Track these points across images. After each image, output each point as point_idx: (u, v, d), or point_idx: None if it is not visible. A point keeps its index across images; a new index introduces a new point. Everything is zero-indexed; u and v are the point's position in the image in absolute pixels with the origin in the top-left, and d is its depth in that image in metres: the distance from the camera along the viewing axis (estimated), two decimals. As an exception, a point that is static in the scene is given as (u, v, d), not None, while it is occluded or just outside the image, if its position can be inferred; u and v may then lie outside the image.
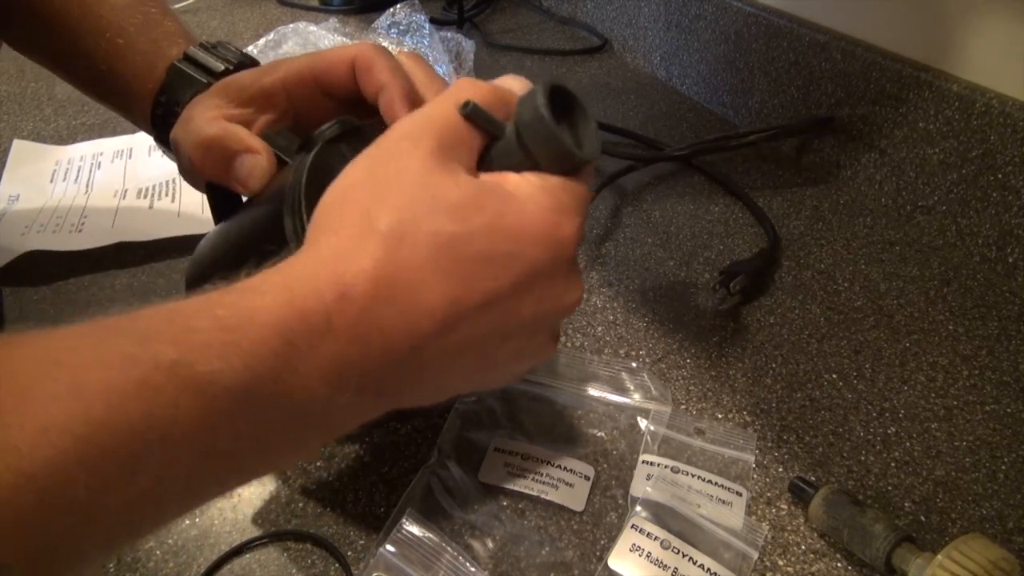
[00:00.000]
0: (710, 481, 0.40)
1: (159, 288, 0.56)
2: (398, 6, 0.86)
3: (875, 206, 0.65)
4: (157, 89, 0.42)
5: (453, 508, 0.39)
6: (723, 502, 0.39)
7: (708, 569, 0.36)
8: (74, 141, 0.77)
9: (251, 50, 0.81)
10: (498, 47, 1.01)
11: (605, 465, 0.42)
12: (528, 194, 0.29)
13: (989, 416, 0.45)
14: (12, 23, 0.46)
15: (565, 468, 0.41)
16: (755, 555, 0.37)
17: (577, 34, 1.05)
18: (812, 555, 0.38)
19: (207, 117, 0.38)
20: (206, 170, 0.38)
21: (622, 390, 0.46)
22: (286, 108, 0.39)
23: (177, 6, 1.17)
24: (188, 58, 0.42)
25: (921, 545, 0.35)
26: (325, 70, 0.38)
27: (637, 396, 0.45)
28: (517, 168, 0.30)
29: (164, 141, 0.42)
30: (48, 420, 0.19)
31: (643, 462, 0.42)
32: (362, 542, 0.38)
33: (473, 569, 0.35)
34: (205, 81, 0.41)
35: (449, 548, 0.36)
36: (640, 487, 0.40)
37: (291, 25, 0.84)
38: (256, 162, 0.37)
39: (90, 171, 0.70)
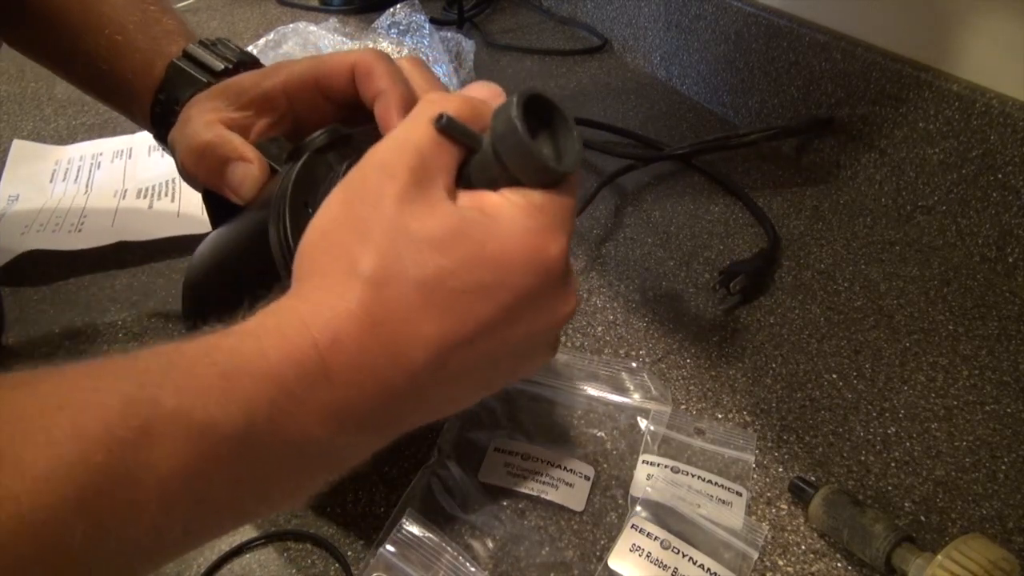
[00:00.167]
0: (710, 481, 0.40)
1: (159, 288, 0.56)
2: (398, 6, 0.86)
3: (875, 206, 0.65)
4: (156, 87, 0.42)
5: (453, 508, 0.39)
6: (723, 502, 0.39)
7: (708, 569, 0.36)
8: (74, 141, 0.77)
9: (251, 50, 0.81)
10: (498, 47, 1.01)
11: (605, 465, 0.42)
12: (510, 217, 0.28)
13: (989, 416, 0.45)
14: (11, 22, 0.46)
15: (565, 468, 0.41)
16: (755, 555, 0.37)
17: (577, 34, 1.05)
18: (812, 555, 0.38)
19: (204, 121, 0.38)
20: (200, 176, 0.38)
21: (622, 390, 0.46)
22: (286, 112, 0.39)
23: (177, 6, 1.17)
24: (188, 56, 0.42)
25: (921, 545, 0.35)
26: (326, 75, 0.38)
27: (637, 396, 0.45)
28: (496, 181, 0.29)
29: (164, 139, 0.42)
30: (48, 467, 0.20)
31: (643, 462, 0.42)
32: (362, 542, 0.38)
33: (473, 569, 0.35)
34: (205, 80, 0.41)
35: (449, 548, 0.36)
36: (640, 487, 0.40)
37: (291, 25, 0.84)
38: (248, 171, 0.37)
39: (90, 171, 0.70)
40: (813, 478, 0.41)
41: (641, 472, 0.41)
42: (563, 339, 0.51)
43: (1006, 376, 0.48)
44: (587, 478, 0.41)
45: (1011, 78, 0.54)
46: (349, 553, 0.37)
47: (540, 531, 0.38)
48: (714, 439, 0.43)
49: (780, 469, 0.42)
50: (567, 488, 0.40)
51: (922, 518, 0.39)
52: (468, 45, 0.87)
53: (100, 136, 0.77)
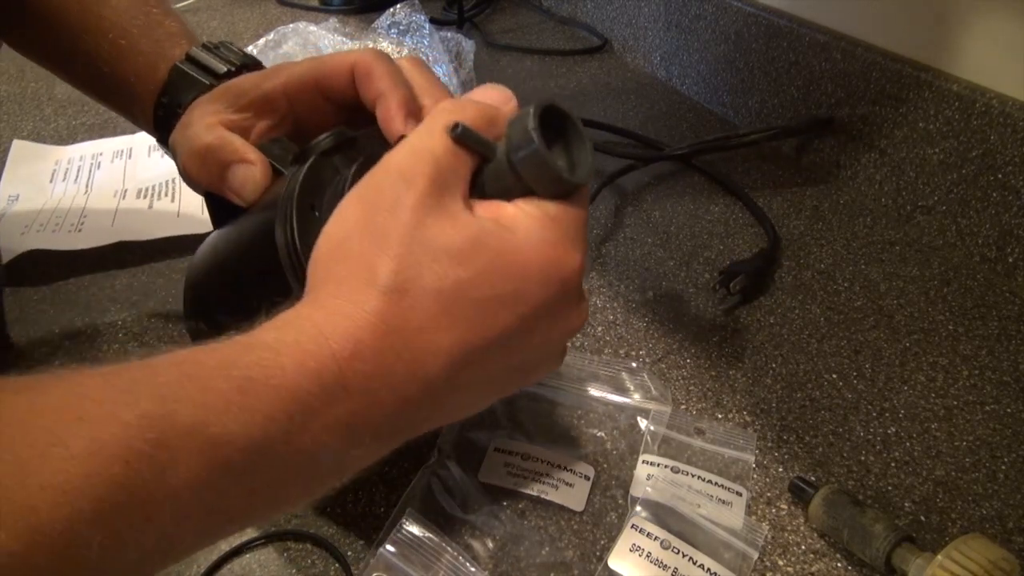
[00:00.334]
0: (710, 481, 0.40)
1: (159, 288, 0.56)
2: (398, 6, 0.86)
3: (875, 206, 0.65)
4: (159, 90, 0.42)
5: (453, 508, 0.39)
6: (723, 502, 0.39)
7: (708, 569, 0.36)
8: (74, 141, 0.77)
9: (251, 50, 0.81)
10: (498, 47, 1.01)
11: (605, 465, 0.42)
12: (527, 229, 0.28)
13: (989, 416, 0.45)
14: (12, 24, 0.46)
15: (565, 468, 0.41)
16: (755, 555, 0.37)
17: (577, 34, 1.05)
18: (812, 555, 0.38)
19: (205, 123, 0.38)
20: (202, 179, 0.38)
21: (622, 390, 0.46)
22: (287, 113, 0.39)
23: (177, 6, 1.17)
24: (190, 59, 0.42)
25: (921, 545, 0.35)
26: (326, 76, 0.38)
27: (637, 396, 0.45)
28: (510, 190, 0.29)
29: (166, 142, 0.42)
30: (67, 480, 0.20)
31: (643, 462, 0.42)
32: (362, 542, 0.38)
33: (473, 569, 0.35)
34: (207, 82, 0.41)
35: (449, 548, 0.36)
36: (640, 487, 0.40)
37: (291, 25, 0.84)
38: (250, 173, 0.37)
39: (90, 171, 0.70)
40: (813, 478, 0.41)
41: (641, 472, 0.41)
42: (563, 339, 0.51)
43: (1006, 376, 0.48)
44: (587, 478, 0.41)
45: (1011, 78, 0.54)
46: (349, 553, 0.37)
47: (540, 531, 0.38)
48: (714, 439, 0.43)
49: (780, 469, 0.42)
50: (567, 488, 0.40)
51: (922, 518, 0.39)
52: (468, 45, 0.87)
53: (100, 136, 0.77)
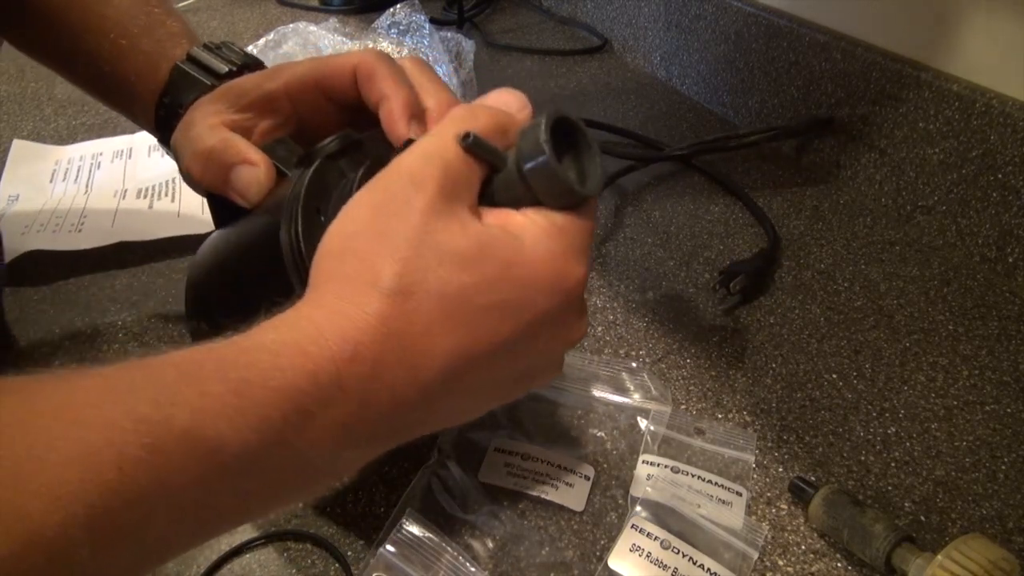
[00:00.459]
0: (710, 481, 0.40)
1: (159, 288, 0.56)
2: (398, 6, 0.86)
3: (875, 206, 0.65)
4: (160, 90, 0.42)
5: (453, 508, 0.39)
6: (723, 502, 0.39)
7: (708, 569, 0.36)
8: (74, 141, 0.77)
9: (251, 50, 0.81)
10: (498, 47, 1.01)
11: (605, 465, 0.42)
12: (534, 238, 0.28)
13: (989, 416, 0.45)
14: (13, 23, 0.46)
15: (565, 468, 0.41)
16: (755, 555, 0.37)
17: (577, 34, 1.05)
18: (812, 555, 0.38)
19: (208, 124, 0.37)
20: (205, 180, 0.38)
21: (622, 390, 0.46)
22: (289, 114, 0.39)
23: (177, 6, 1.17)
24: (191, 59, 0.42)
25: (921, 545, 0.35)
26: (328, 77, 0.38)
27: (637, 396, 0.45)
28: (519, 200, 0.29)
29: (167, 142, 0.41)
30: (61, 486, 0.20)
31: (643, 462, 0.42)
32: (362, 542, 0.38)
33: (473, 569, 0.35)
34: (209, 83, 0.41)
35: (449, 548, 0.36)
36: (640, 487, 0.40)
37: (291, 25, 0.84)
38: (254, 174, 0.36)
39: (90, 171, 0.70)
40: (813, 478, 0.41)
41: (641, 472, 0.41)
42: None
43: (1006, 376, 0.48)
44: (587, 478, 0.41)
45: (1011, 78, 0.54)
46: (349, 553, 0.37)
47: (540, 531, 0.38)
48: (714, 439, 0.43)
49: (780, 469, 0.42)
50: (567, 488, 0.40)
51: (922, 518, 0.39)
52: (468, 45, 0.87)
53: (100, 136, 0.77)
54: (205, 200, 0.42)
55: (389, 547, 0.35)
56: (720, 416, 0.45)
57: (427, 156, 0.28)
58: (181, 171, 0.40)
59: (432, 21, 0.86)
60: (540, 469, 0.41)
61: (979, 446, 0.43)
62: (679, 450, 0.43)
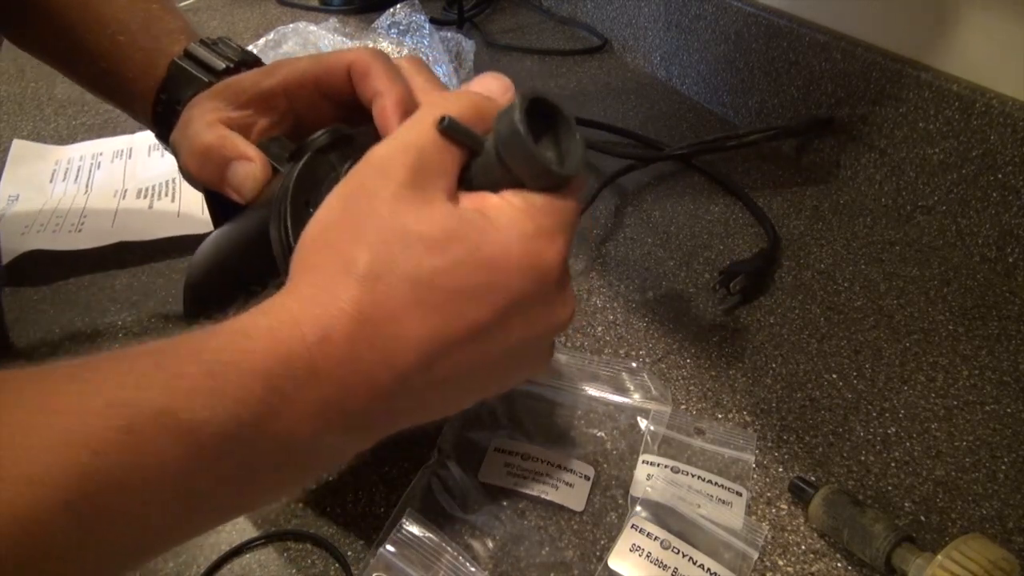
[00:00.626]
0: (710, 481, 0.40)
1: (159, 288, 0.56)
2: (398, 6, 0.86)
3: (875, 206, 0.65)
4: (158, 86, 0.42)
5: (453, 508, 0.39)
6: (723, 502, 0.39)
7: (708, 569, 0.36)
8: (74, 141, 0.77)
9: (251, 50, 0.81)
10: (498, 47, 1.01)
11: (605, 465, 0.42)
12: (509, 219, 0.28)
13: (989, 416, 0.45)
14: (13, 21, 0.46)
15: (565, 468, 0.41)
16: (755, 555, 0.37)
17: (577, 34, 1.05)
18: (812, 555, 0.38)
19: (205, 121, 0.38)
20: (202, 177, 0.38)
21: (622, 390, 0.46)
22: (286, 111, 0.39)
23: (177, 6, 1.17)
24: (189, 55, 0.42)
25: (921, 545, 0.35)
26: (324, 74, 0.38)
27: (637, 396, 0.45)
28: (499, 183, 0.29)
29: (166, 139, 0.42)
30: (34, 471, 0.20)
31: (643, 462, 0.42)
32: (362, 542, 0.38)
33: (473, 569, 0.35)
34: (206, 79, 0.41)
35: (449, 548, 0.36)
36: (640, 487, 0.40)
37: (291, 25, 0.84)
38: (250, 170, 0.37)
39: (90, 171, 0.70)
40: (813, 478, 0.41)
41: (641, 472, 0.41)
42: (563, 339, 0.51)
43: (1006, 376, 0.48)
44: (587, 478, 0.41)
45: (1011, 78, 0.54)
46: (349, 553, 0.37)
47: (540, 531, 0.38)
48: (714, 439, 0.43)
49: (780, 469, 0.42)
50: (567, 488, 0.40)
51: (922, 518, 0.39)
52: (468, 45, 0.87)
53: (100, 136, 0.77)
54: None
55: (389, 547, 0.35)
56: (720, 416, 0.45)
57: (399, 144, 0.29)
58: (180, 168, 0.40)
59: (432, 21, 0.86)
60: (540, 469, 0.41)
61: (979, 446, 0.43)
62: (679, 450, 0.43)
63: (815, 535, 0.38)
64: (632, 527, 0.37)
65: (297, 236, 0.31)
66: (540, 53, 0.99)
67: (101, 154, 0.73)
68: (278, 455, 0.26)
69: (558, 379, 0.46)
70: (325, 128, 0.35)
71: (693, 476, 0.41)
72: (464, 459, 0.41)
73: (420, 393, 0.28)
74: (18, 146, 0.74)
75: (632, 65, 0.96)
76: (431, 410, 0.31)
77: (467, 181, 0.30)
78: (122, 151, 0.73)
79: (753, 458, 0.42)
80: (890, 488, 0.41)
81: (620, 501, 0.40)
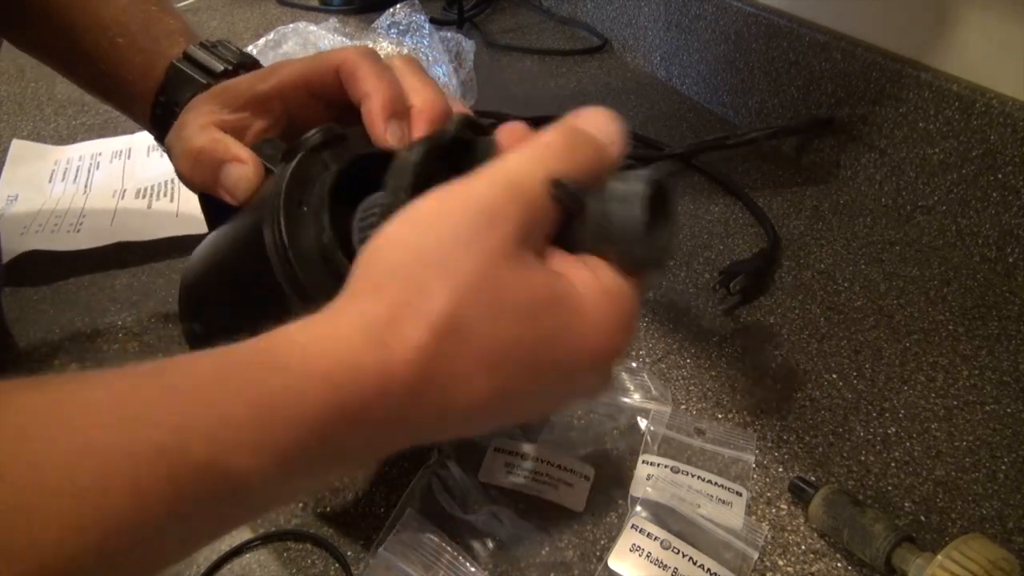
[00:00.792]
0: (710, 481, 0.40)
1: (159, 288, 0.56)
2: (398, 6, 0.86)
3: (875, 206, 0.65)
4: (157, 89, 0.42)
5: (453, 508, 0.39)
6: (723, 502, 0.39)
7: (708, 569, 0.36)
8: (74, 141, 0.77)
9: (251, 50, 0.81)
10: (498, 47, 1.01)
11: (605, 465, 0.42)
12: (594, 303, 0.27)
13: (989, 416, 0.45)
14: (13, 22, 0.46)
15: (565, 468, 0.41)
16: (755, 555, 0.37)
17: (577, 34, 1.05)
18: (812, 555, 0.38)
19: (199, 124, 0.37)
20: (195, 179, 0.38)
21: (622, 390, 0.46)
22: (281, 114, 0.39)
23: (177, 6, 1.17)
24: (188, 57, 0.42)
25: (921, 545, 0.35)
26: (314, 75, 0.37)
27: (637, 396, 0.45)
28: (583, 247, 0.28)
29: (164, 141, 0.42)
30: (74, 518, 0.19)
31: (643, 462, 0.42)
32: (362, 542, 0.38)
33: (473, 569, 0.35)
34: (204, 81, 0.41)
35: (449, 548, 0.36)
36: (640, 487, 0.40)
37: (291, 25, 0.84)
38: (242, 172, 0.36)
39: (89, 171, 0.70)
40: (813, 478, 0.41)
41: (641, 472, 0.41)
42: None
43: (1006, 376, 0.48)
44: (587, 478, 0.41)
45: (1011, 78, 0.54)
46: (349, 553, 0.37)
47: (540, 531, 0.38)
48: (714, 439, 0.43)
49: (780, 469, 0.42)
50: (567, 488, 0.40)
51: (922, 518, 0.39)
52: (468, 45, 0.87)
53: (100, 136, 0.77)
54: None
55: (389, 547, 0.35)
56: (720, 416, 0.45)
57: (511, 193, 0.26)
58: (175, 170, 0.40)
59: (432, 21, 0.86)
60: (540, 469, 0.41)
61: (979, 446, 0.43)
62: (679, 450, 0.43)
63: (815, 535, 0.38)
64: (632, 527, 0.37)
65: (291, 236, 0.31)
66: (540, 53, 0.99)
67: (100, 154, 0.73)
68: (311, 487, 0.26)
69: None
70: (317, 127, 0.35)
71: (693, 476, 0.41)
72: (464, 459, 0.41)
73: (451, 432, 0.28)
74: (17, 146, 0.74)
75: (632, 65, 0.95)
76: (447, 436, 0.32)
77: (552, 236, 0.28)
78: (121, 151, 0.73)
79: (753, 458, 0.42)
80: (890, 488, 0.41)
81: (620, 501, 0.40)
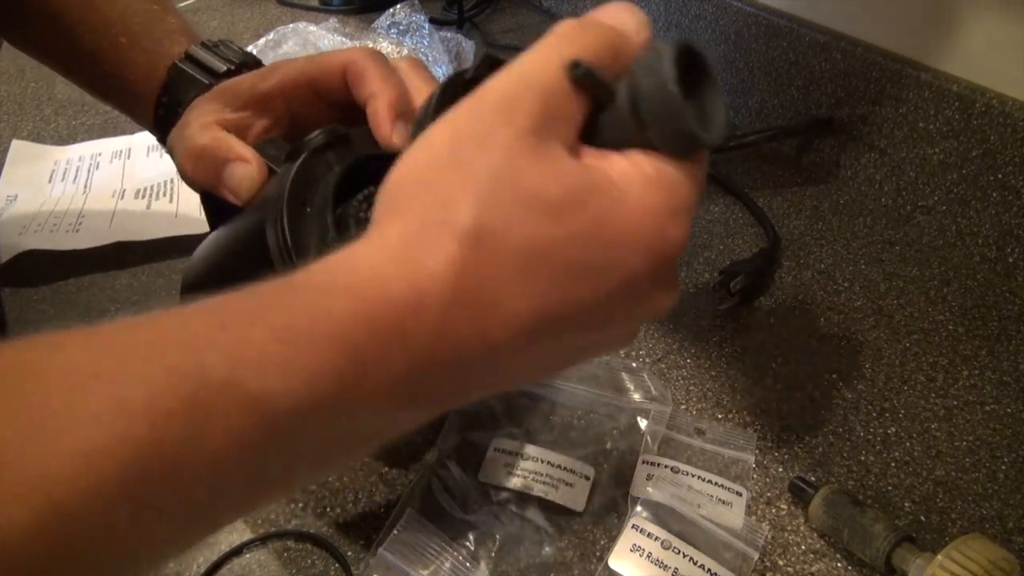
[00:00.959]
0: (710, 481, 0.40)
1: (159, 288, 0.56)
2: (398, 6, 0.86)
3: (875, 206, 0.65)
4: (159, 89, 0.42)
5: (453, 508, 0.39)
6: (723, 502, 0.39)
7: (708, 569, 0.36)
8: (74, 141, 0.77)
9: (251, 50, 0.81)
10: (498, 47, 1.01)
11: (605, 465, 0.42)
12: (639, 190, 0.24)
13: (989, 416, 0.45)
14: (13, 22, 0.46)
15: (565, 468, 0.41)
16: (755, 555, 0.37)
17: (577, 34, 1.05)
18: (812, 555, 0.38)
19: (201, 123, 0.37)
20: (198, 179, 0.38)
21: (622, 390, 0.46)
22: (283, 113, 0.39)
23: (177, 6, 1.17)
24: (190, 58, 0.42)
25: (921, 545, 0.35)
26: (319, 75, 0.37)
27: (637, 396, 0.45)
28: (625, 141, 0.25)
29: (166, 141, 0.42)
30: (87, 443, 0.17)
31: (643, 462, 0.42)
32: (362, 542, 0.38)
33: (473, 569, 0.35)
34: (207, 81, 0.41)
35: (449, 548, 0.36)
36: (640, 487, 0.40)
37: (291, 25, 0.84)
38: (246, 171, 0.36)
39: (88, 171, 0.70)
40: (813, 478, 0.41)
41: (641, 472, 0.41)
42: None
43: (1006, 376, 0.48)
44: (587, 478, 0.41)
45: (1011, 78, 0.54)
46: (349, 553, 0.37)
47: (540, 531, 0.38)
48: (714, 439, 0.43)
49: (780, 469, 0.42)
50: (567, 488, 0.40)
51: (922, 518, 0.39)
52: (468, 45, 0.87)
53: (100, 136, 0.77)
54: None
55: (389, 547, 0.35)
56: (720, 416, 0.45)
57: (524, 81, 0.24)
58: (178, 170, 0.40)
59: (432, 21, 0.86)
60: (540, 469, 0.41)
61: (979, 446, 0.43)
62: (679, 450, 0.43)
63: (815, 535, 0.38)
64: (632, 527, 0.37)
65: (295, 237, 0.31)
66: (540, 53, 0.99)
67: (100, 154, 0.73)
68: (353, 430, 0.23)
69: (558, 379, 0.46)
70: (322, 128, 0.35)
71: (693, 476, 0.41)
72: (464, 459, 0.41)
73: (504, 369, 0.25)
74: (17, 146, 0.74)
75: (632, 65, 0.95)
76: (506, 384, 0.28)
77: (587, 134, 0.26)
78: (121, 151, 0.73)
79: (753, 458, 0.42)
80: (890, 488, 0.41)
81: (620, 501, 0.40)
